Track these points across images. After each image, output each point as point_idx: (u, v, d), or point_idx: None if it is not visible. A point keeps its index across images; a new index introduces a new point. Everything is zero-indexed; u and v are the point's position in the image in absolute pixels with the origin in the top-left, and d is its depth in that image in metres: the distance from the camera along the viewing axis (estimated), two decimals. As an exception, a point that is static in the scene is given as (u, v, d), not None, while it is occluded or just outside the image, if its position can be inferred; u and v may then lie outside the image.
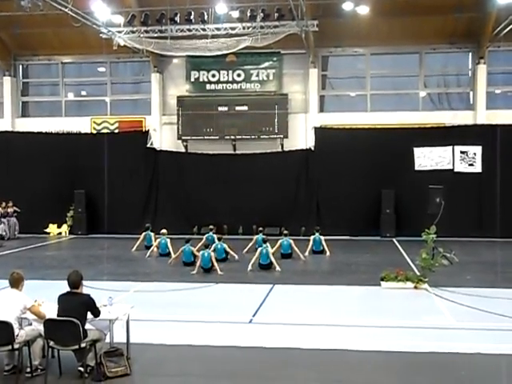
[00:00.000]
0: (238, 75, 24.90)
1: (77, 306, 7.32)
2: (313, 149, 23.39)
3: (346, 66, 25.41)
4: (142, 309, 9.80)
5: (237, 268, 15.61)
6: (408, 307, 11.39)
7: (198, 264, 15.03)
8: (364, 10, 21.17)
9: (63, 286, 7.63)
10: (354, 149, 22.22)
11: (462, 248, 17.04)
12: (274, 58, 24.69)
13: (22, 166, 23.80)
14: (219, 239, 16.97)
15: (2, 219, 22.50)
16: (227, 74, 24.98)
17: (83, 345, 7.25)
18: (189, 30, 21.27)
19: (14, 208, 22.78)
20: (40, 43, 25.48)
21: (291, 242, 17.11)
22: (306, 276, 14.76)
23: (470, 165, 21.69)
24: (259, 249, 15.66)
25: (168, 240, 17.67)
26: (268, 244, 15.82)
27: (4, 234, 22.27)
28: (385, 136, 22.11)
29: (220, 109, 24.31)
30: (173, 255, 16.63)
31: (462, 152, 21.73)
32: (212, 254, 15.13)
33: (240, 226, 22.79)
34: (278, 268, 15.23)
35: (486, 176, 21.56)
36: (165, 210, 23.54)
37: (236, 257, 16.52)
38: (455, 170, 21.64)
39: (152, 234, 19.02)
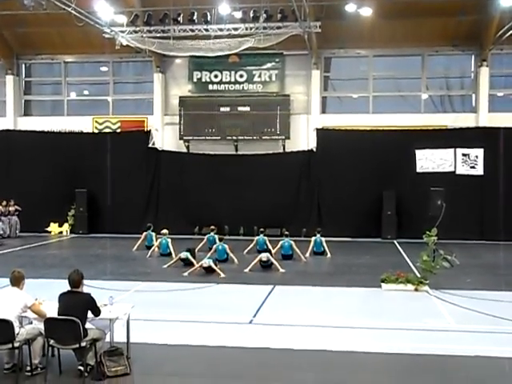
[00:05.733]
0: (241, 76, 24.90)
1: (77, 305, 7.33)
2: (314, 150, 23.39)
3: (348, 67, 25.39)
4: (143, 308, 9.81)
5: (237, 269, 15.61)
6: (408, 309, 11.38)
7: (192, 268, 14.95)
8: (367, 12, 21.15)
9: (64, 285, 7.64)
10: (356, 150, 22.23)
11: (463, 250, 17.01)
12: (277, 59, 24.67)
13: (23, 164, 23.83)
14: (220, 240, 16.98)
15: (3, 218, 22.54)
16: (229, 75, 24.98)
17: (83, 344, 7.26)
18: (191, 31, 21.27)
19: (16, 207, 22.82)
20: (43, 42, 25.49)
21: (292, 243, 17.13)
22: (306, 277, 14.73)
23: (472, 167, 21.67)
24: (260, 255, 15.61)
25: (169, 240, 17.68)
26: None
27: (2, 232, 22.26)
28: (387, 138, 22.13)
29: (222, 109, 24.31)
30: (174, 255, 16.64)
31: (463, 154, 21.71)
32: (211, 262, 15.03)
33: (241, 227, 22.79)
34: (281, 269, 15.23)
35: (488, 178, 21.52)
36: (166, 210, 23.55)
37: (235, 260, 16.44)
38: (457, 172, 21.61)
39: (153, 233, 19.05)
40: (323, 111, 24.88)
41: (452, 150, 21.73)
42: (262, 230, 18.53)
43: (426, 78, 24.52)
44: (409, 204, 21.60)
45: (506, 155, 21.41)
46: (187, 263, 15.50)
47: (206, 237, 18.61)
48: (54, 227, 23.98)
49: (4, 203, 22.73)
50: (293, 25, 20.55)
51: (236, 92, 24.82)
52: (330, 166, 22.76)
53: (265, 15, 20.30)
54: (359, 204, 22.24)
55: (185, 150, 24.78)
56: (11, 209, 22.77)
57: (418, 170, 21.82)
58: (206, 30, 21.13)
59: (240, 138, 24.19)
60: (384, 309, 11.43)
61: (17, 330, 7.32)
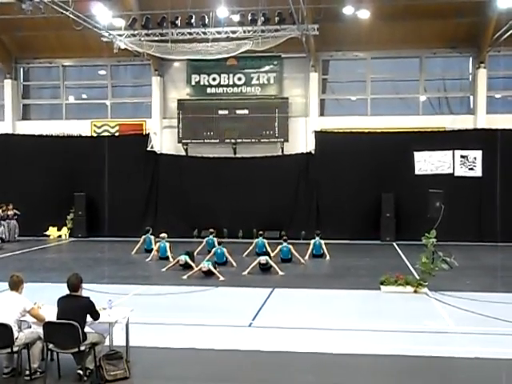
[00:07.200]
0: (239, 79, 24.92)
1: (76, 308, 7.32)
2: (313, 153, 23.43)
3: (346, 70, 25.41)
4: (142, 312, 9.80)
5: (236, 272, 15.61)
6: (407, 311, 11.38)
7: (191, 272, 14.94)
8: (365, 15, 21.17)
9: (63, 289, 7.63)
10: (355, 153, 22.25)
11: (462, 252, 17.01)
12: (275, 62, 24.70)
13: (22, 168, 23.83)
14: (219, 243, 16.96)
15: (2, 222, 22.53)
16: (228, 78, 24.99)
17: (82, 348, 7.25)
18: (190, 34, 21.27)
19: (14, 211, 22.80)
20: (41, 46, 25.49)
21: (290, 247, 17.11)
22: (305, 280, 14.74)
23: (471, 169, 21.69)
24: (258, 258, 15.59)
25: (167, 244, 17.68)
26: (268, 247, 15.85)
27: (3, 236, 22.27)
28: (385, 140, 22.17)
29: (220, 112, 24.30)
30: (171, 259, 16.64)
31: (462, 156, 21.73)
32: (210, 265, 14.99)
33: (240, 230, 22.80)
34: (280, 272, 15.21)
35: (486, 180, 21.56)
36: (165, 214, 23.56)
37: (234, 264, 16.39)
38: (455, 174, 21.62)
39: (152, 237, 19.04)
40: (321, 114, 24.89)
41: (450, 151, 21.75)
42: (260, 232, 18.54)
43: (424, 80, 24.53)
44: (407, 206, 21.63)
45: (503, 156, 21.41)
46: (186, 266, 15.49)
47: (204, 240, 18.62)
48: (52, 231, 23.97)
49: (3, 207, 22.71)
50: (291, 27, 20.54)
51: (234, 95, 24.82)
52: (328, 169, 22.77)
53: (263, 18, 20.30)
54: (358, 206, 22.26)
55: (183, 153, 24.76)
56: (10, 213, 22.74)
57: (417, 172, 21.83)
58: (204, 33, 21.12)
59: (238, 140, 24.18)
60: (383, 311, 11.43)
61: (16, 334, 7.31)
